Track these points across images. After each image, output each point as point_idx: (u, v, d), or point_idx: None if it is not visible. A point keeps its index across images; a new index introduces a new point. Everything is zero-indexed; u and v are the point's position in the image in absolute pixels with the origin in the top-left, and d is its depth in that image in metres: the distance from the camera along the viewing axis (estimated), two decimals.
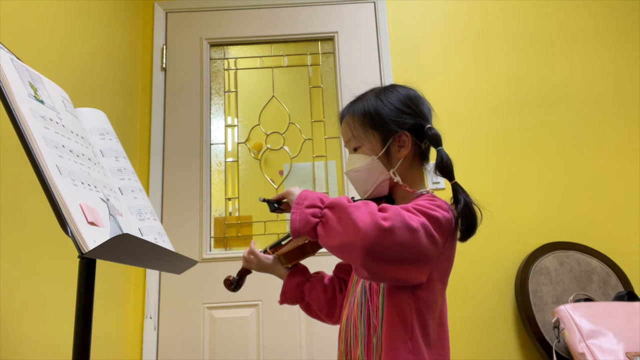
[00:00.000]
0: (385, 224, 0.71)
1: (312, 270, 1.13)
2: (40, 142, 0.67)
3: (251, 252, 1.12)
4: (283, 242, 1.11)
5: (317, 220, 0.77)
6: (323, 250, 1.03)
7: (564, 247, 1.88)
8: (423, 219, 0.75)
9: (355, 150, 0.95)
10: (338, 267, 1.11)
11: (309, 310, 1.09)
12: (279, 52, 2.22)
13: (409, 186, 0.90)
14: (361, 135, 0.93)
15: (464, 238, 0.83)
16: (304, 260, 1.06)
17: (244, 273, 1.17)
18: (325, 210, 0.77)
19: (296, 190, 0.86)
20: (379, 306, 0.83)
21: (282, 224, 2.03)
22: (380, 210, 0.74)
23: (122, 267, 1.80)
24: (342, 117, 0.99)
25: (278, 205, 0.95)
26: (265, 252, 1.13)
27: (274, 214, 2.03)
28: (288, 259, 1.05)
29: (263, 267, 1.10)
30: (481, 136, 2.06)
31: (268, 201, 0.95)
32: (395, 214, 0.73)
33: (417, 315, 0.79)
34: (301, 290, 1.07)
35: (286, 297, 1.08)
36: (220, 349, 1.85)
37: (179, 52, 2.17)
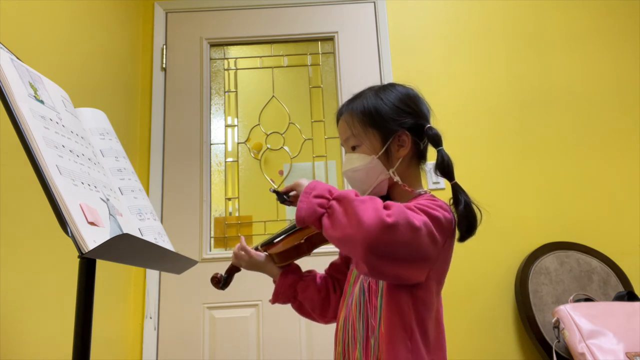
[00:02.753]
0: (389, 220, 0.70)
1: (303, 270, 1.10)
2: (40, 142, 0.67)
3: (242, 248, 1.07)
4: (275, 241, 1.05)
5: (323, 211, 0.77)
6: (317, 250, 1.01)
7: (564, 247, 1.88)
8: (425, 218, 0.75)
9: (353, 149, 0.93)
10: (332, 266, 1.09)
11: (301, 309, 1.07)
12: (279, 52, 2.22)
13: (407, 186, 0.90)
14: (360, 133, 0.92)
15: (463, 238, 0.83)
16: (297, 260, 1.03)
17: (232, 271, 1.12)
18: (333, 202, 0.77)
19: (305, 182, 0.85)
20: (377, 307, 0.83)
21: (282, 224, 2.03)
22: (384, 207, 0.74)
23: (122, 267, 1.80)
24: (340, 114, 0.98)
25: (287, 197, 0.92)
26: (256, 249, 1.08)
27: (274, 214, 2.03)
28: (281, 258, 1.02)
29: (254, 265, 1.07)
30: (481, 136, 2.06)
31: (277, 192, 0.93)
32: (399, 211, 0.72)
33: (415, 315, 0.79)
34: (294, 290, 1.05)
35: (278, 297, 1.06)
36: (220, 349, 1.85)
37: (179, 52, 2.17)
